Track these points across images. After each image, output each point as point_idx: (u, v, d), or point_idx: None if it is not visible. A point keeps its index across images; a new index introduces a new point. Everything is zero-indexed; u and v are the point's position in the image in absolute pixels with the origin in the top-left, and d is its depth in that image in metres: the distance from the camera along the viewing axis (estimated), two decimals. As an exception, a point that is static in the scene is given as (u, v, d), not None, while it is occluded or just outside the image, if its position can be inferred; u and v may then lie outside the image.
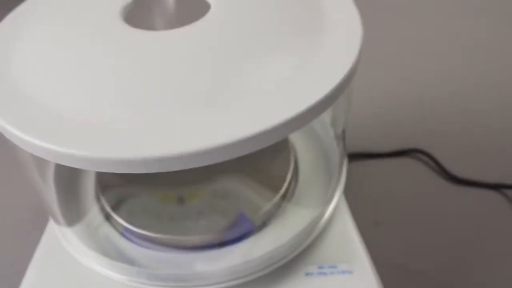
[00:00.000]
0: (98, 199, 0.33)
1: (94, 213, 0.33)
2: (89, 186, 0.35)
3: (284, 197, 0.31)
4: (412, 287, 0.43)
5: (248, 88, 0.22)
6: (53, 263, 0.31)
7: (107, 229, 0.31)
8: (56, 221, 0.32)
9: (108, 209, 0.31)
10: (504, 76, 0.73)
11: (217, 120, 0.20)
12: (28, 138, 0.21)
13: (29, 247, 0.38)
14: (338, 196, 0.31)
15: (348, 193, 0.32)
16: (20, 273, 0.31)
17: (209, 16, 0.26)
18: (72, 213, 0.33)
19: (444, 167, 0.55)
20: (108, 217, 0.32)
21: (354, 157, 0.57)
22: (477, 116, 0.66)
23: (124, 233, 0.30)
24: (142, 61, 0.24)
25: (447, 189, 0.54)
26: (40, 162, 0.31)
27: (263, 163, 0.32)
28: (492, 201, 0.52)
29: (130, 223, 0.30)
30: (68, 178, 0.35)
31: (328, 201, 0.30)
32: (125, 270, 0.28)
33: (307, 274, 0.29)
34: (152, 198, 0.31)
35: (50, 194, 0.33)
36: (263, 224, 0.30)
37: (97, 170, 0.20)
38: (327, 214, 0.30)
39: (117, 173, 0.20)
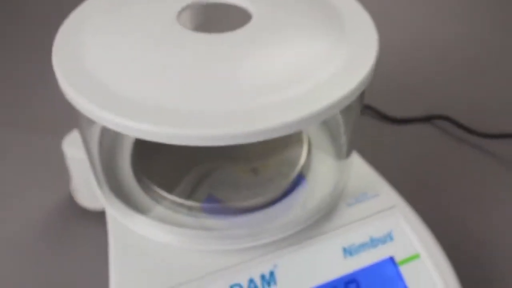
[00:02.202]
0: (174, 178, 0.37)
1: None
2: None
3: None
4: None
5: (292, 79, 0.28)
6: (133, 255, 0.33)
7: (187, 204, 0.35)
8: (133, 207, 0.36)
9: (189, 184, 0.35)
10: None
11: (281, 102, 0.26)
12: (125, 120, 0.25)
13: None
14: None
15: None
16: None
17: (252, 23, 0.32)
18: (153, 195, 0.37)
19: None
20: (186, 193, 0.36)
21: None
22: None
23: (205, 206, 0.35)
24: (199, 58, 0.29)
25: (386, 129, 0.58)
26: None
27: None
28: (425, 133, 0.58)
29: (211, 196, 0.35)
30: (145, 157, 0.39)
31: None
32: (202, 238, 0.33)
33: (348, 204, 0.37)
34: (231, 171, 0.36)
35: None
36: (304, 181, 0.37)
37: (194, 144, 0.25)
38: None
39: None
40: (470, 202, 0.49)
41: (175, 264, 0.32)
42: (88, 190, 0.42)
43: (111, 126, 0.25)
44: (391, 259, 0.35)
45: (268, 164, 0.37)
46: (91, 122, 0.35)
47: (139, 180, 0.37)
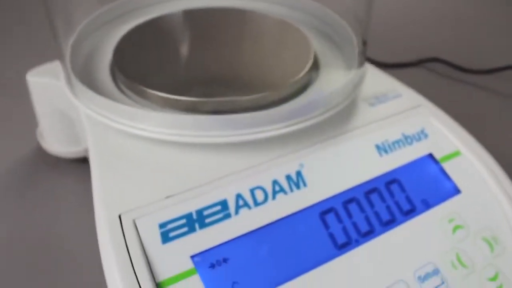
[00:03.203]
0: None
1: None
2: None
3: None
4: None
5: None
6: (124, 161, 0.26)
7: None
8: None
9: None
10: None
11: None
12: None
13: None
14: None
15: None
16: None
17: None
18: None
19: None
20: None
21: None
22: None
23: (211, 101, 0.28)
24: None
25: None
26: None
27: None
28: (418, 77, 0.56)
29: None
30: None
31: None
32: (210, 126, 0.25)
33: (370, 104, 0.32)
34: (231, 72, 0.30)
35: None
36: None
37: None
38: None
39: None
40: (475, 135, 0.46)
41: (179, 166, 0.25)
42: (55, 130, 0.36)
43: None
44: (431, 156, 0.29)
45: (272, 65, 0.31)
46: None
47: (121, 83, 0.30)
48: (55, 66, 0.34)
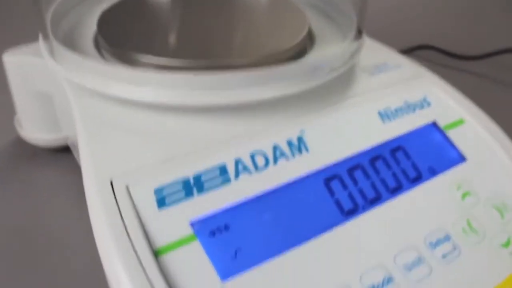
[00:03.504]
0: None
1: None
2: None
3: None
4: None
5: None
6: (112, 128, 0.24)
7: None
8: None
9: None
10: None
11: None
12: None
13: None
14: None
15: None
16: None
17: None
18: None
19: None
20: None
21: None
22: None
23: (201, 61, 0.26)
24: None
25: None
26: None
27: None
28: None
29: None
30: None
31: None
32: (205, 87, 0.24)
33: (370, 73, 0.30)
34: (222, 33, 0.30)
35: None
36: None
37: None
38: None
39: None
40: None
41: (174, 132, 0.24)
42: (34, 115, 0.34)
43: None
44: (435, 124, 0.28)
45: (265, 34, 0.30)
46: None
47: (106, 51, 0.29)
48: (33, 46, 0.32)
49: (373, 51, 0.33)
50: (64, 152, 0.36)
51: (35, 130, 0.35)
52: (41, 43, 0.29)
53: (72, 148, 0.35)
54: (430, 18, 0.65)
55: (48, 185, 0.34)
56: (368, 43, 0.34)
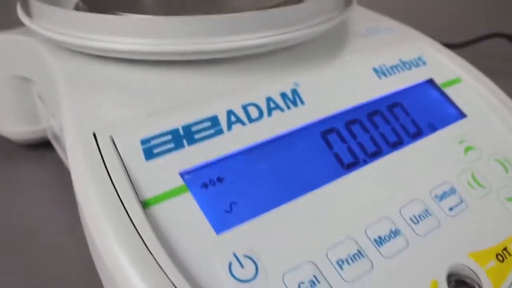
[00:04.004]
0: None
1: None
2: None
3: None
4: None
5: None
6: (91, 82, 0.23)
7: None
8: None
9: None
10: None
11: None
12: None
13: None
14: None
15: None
16: None
17: None
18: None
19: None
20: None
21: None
22: None
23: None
24: None
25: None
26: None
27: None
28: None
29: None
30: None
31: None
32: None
33: (362, 35, 0.29)
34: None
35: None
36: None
37: None
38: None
39: None
40: None
41: (160, 85, 0.22)
42: (9, 105, 0.32)
43: None
44: (431, 81, 0.27)
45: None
46: None
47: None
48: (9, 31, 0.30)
49: (364, 17, 0.32)
50: (45, 147, 0.34)
51: (10, 122, 0.32)
52: (19, 9, 0.27)
53: (53, 141, 0.32)
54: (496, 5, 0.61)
55: (26, 183, 0.32)
56: (359, 10, 0.33)
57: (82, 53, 0.24)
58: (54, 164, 0.32)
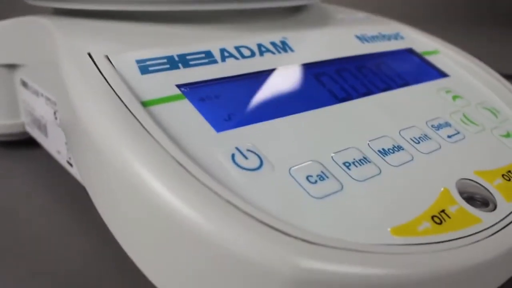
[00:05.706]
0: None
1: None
2: None
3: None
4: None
5: None
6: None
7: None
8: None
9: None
10: None
11: None
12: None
13: None
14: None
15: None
16: None
17: None
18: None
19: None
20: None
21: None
22: None
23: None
24: None
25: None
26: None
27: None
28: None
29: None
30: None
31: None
32: None
33: (340, 19, 0.30)
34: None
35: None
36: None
37: None
38: None
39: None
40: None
41: (153, 35, 0.23)
42: None
43: None
44: (411, 50, 0.29)
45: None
46: None
47: None
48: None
49: (343, 10, 0.34)
50: (25, 145, 0.32)
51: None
52: None
53: (33, 131, 0.31)
54: None
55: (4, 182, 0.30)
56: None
57: (78, 16, 0.24)
58: (38, 162, 0.31)
